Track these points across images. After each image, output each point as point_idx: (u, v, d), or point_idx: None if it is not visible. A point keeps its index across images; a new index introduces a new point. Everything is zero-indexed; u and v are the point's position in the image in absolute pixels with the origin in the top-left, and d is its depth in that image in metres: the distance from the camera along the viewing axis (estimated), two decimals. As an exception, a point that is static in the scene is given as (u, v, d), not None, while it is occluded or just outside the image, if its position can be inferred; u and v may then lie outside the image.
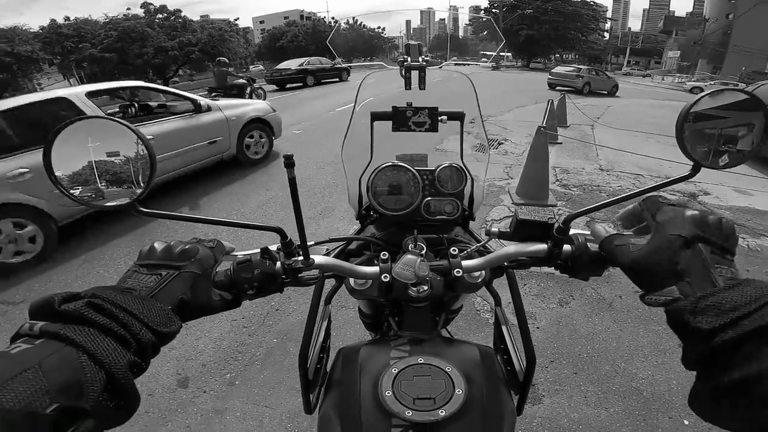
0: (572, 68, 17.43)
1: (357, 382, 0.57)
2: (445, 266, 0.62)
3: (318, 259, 0.59)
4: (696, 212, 0.45)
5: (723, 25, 40.06)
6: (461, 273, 0.61)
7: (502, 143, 6.58)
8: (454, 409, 0.52)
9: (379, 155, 0.89)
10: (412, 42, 0.85)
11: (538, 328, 2.35)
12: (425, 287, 0.65)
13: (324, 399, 0.65)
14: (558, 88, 15.23)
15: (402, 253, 0.68)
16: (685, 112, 0.48)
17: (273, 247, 0.60)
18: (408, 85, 0.84)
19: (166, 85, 26.73)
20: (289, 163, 0.49)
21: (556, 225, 0.58)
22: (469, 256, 0.65)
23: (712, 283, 0.39)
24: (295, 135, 7.58)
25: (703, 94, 0.48)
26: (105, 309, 0.37)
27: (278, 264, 0.57)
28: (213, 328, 2.44)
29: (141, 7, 29.52)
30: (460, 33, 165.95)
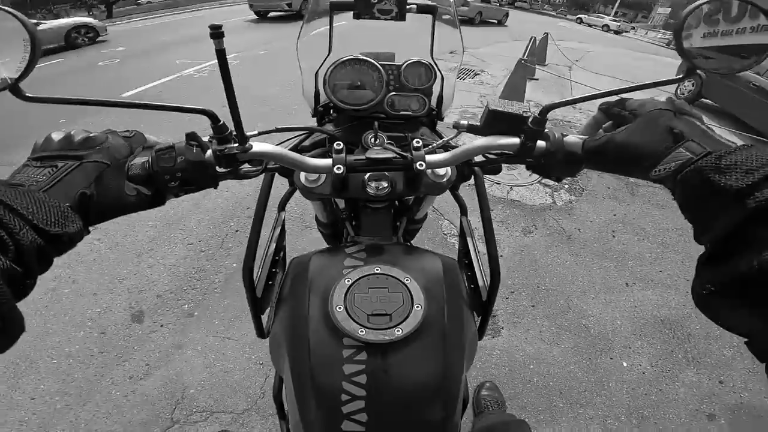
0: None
1: (306, 296, 0.52)
2: (407, 159, 0.53)
3: (259, 146, 0.49)
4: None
5: None
6: (424, 166, 0.52)
7: (479, 74, 6.41)
8: (412, 328, 0.47)
9: (339, 53, 0.79)
10: None
11: (501, 256, 2.34)
12: (384, 184, 0.57)
13: (274, 319, 0.60)
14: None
15: (360, 148, 0.65)
16: (685, 16, 0.43)
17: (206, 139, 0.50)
18: None
19: (110, 9, 23.21)
20: (217, 33, 0.39)
21: (532, 117, 0.51)
22: (434, 152, 0.58)
23: (720, 143, 0.36)
24: (260, 55, 7.16)
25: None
26: None
27: (209, 152, 0.48)
28: (167, 253, 2.28)
29: None
30: None
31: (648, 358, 1.85)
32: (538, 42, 6.41)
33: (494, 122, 0.54)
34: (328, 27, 0.80)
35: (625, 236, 2.65)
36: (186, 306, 1.96)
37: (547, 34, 7.59)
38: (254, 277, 0.66)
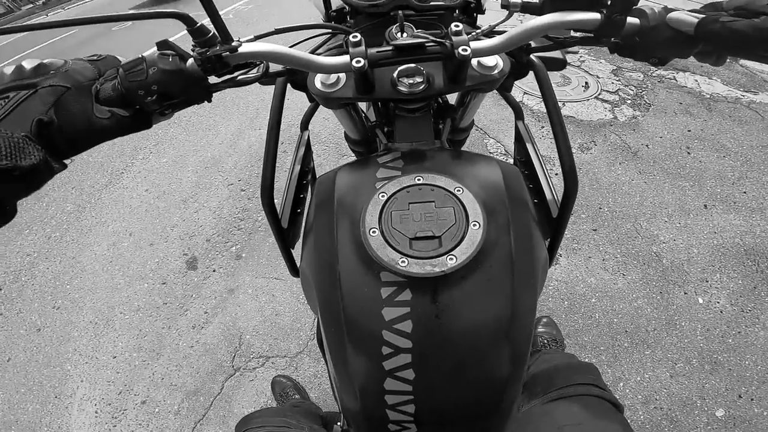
0: None
1: (333, 221, 0.43)
2: (446, 45, 0.41)
3: (249, 46, 0.40)
4: None
5: None
6: (468, 52, 0.39)
7: None
8: (469, 254, 0.37)
9: None
10: None
11: (556, 174, 2.02)
12: (419, 79, 0.45)
13: (303, 251, 0.50)
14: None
15: (384, 44, 0.48)
16: None
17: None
18: None
19: None
20: None
21: None
22: (478, 39, 0.44)
23: None
24: None
25: None
26: None
27: (190, 61, 0.40)
28: (210, 197, 2.33)
29: None
30: None
31: (727, 295, 1.57)
32: None
33: None
34: None
35: (702, 153, 2.25)
36: (234, 248, 1.99)
37: None
38: (277, 207, 0.57)
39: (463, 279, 0.37)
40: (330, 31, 0.65)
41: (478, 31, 0.46)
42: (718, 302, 1.55)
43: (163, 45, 0.39)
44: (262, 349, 1.60)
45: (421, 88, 0.45)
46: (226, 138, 2.85)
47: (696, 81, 3.04)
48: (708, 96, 2.82)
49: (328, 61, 0.43)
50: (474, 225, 0.38)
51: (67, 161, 0.37)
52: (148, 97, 0.38)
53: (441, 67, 0.46)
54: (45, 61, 0.37)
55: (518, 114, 0.71)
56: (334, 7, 0.70)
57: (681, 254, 1.71)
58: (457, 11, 0.66)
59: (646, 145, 2.28)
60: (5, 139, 0.31)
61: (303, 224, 0.59)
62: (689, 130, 2.43)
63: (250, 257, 1.93)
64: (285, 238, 0.58)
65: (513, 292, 0.38)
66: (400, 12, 0.52)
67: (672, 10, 0.41)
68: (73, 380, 1.63)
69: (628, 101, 2.64)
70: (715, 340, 1.45)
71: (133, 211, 2.34)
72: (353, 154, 0.89)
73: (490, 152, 2.19)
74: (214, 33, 0.39)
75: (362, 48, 0.41)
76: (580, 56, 3.16)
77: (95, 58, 0.41)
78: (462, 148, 0.81)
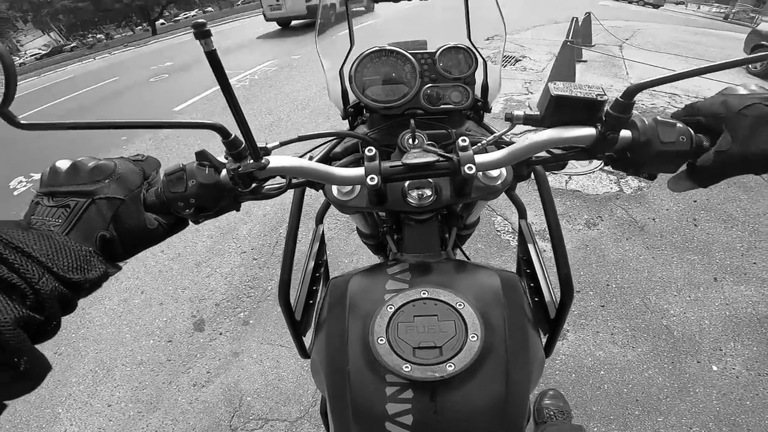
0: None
1: (345, 325, 0.47)
2: (453, 161, 0.45)
3: (276, 160, 0.44)
4: (738, 90, 0.42)
5: None
6: (474, 169, 0.44)
7: (520, 60, 6.05)
8: (466, 363, 0.41)
9: (365, 46, 0.72)
10: None
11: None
12: (428, 192, 0.51)
13: (314, 342, 0.55)
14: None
15: (397, 151, 0.58)
16: None
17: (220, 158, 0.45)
18: None
19: (153, 27, 25.41)
20: (202, 32, 0.31)
21: (612, 101, 0.41)
22: (484, 151, 0.49)
23: None
24: (294, 59, 7.49)
25: None
26: None
27: (223, 172, 0.43)
28: (222, 263, 2.41)
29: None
30: None
31: (742, 361, 1.60)
32: (581, 22, 6.00)
33: (559, 110, 0.43)
34: (346, 16, 0.74)
35: (709, 224, 2.33)
36: (242, 314, 2.04)
37: (590, 13, 7.14)
38: (292, 299, 0.61)
39: (461, 383, 0.42)
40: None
41: (484, 142, 0.50)
42: (733, 368, 1.58)
43: (200, 155, 0.43)
44: (262, 412, 1.59)
45: (429, 200, 0.50)
46: (241, 205, 3.17)
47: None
48: None
49: (345, 174, 0.47)
50: (472, 337, 0.43)
51: (120, 264, 0.39)
52: (187, 209, 0.44)
53: (448, 180, 0.51)
54: (99, 164, 0.39)
55: (522, 213, 0.76)
56: (351, 102, 0.75)
57: (692, 326, 1.76)
58: (465, 112, 0.70)
59: (653, 219, 2.37)
60: (76, 252, 0.33)
61: (315, 315, 0.64)
62: (695, 201, 2.52)
63: (258, 324, 1.97)
64: (297, 329, 0.63)
65: (507, 393, 0.43)
66: (412, 121, 0.57)
67: (663, 121, 0.44)
68: (62, 423, 1.64)
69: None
70: (732, 403, 1.47)
71: (148, 270, 2.43)
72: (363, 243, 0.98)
73: (497, 230, 2.34)
74: (245, 145, 0.42)
75: (376, 163, 0.46)
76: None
77: (139, 158, 0.44)
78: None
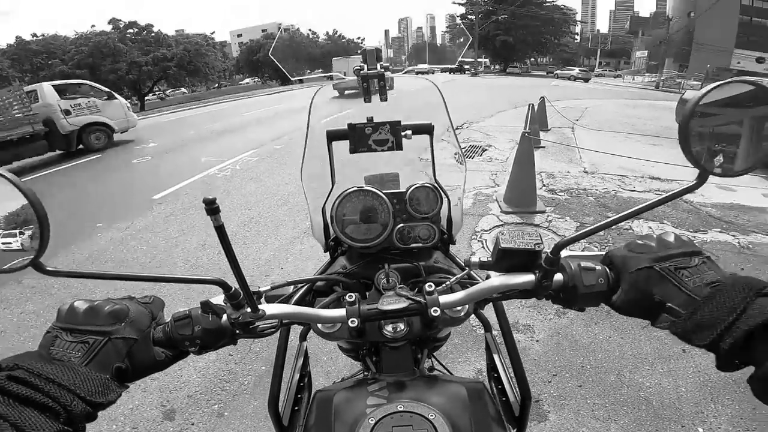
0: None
1: None
2: (421, 304, 0.56)
3: (271, 308, 0.52)
4: (641, 242, 0.49)
5: (686, 24, 41.26)
6: (438, 312, 0.54)
7: (486, 150, 6.54)
8: None
9: (344, 177, 0.81)
10: (368, 47, 0.77)
11: (537, 341, 2.29)
12: (401, 326, 0.59)
13: None
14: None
15: (374, 290, 0.65)
16: (689, 112, 0.41)
17: (218, 299, 0.53)
18: (367, 97, 0.76)
19: (142, 102, 26.34)
20: (212, 208, 0.41)
21: (545, 253, 0.51)
22: (450, 289, 0.60)
23: (691, 297, 0.42)
24: (276, 150, 7.57)
25: (707, 88, 0.42)
26: (28, 381, 0.36)
27: (224, 318, 0.51)
28: (196, 357, 2.31)
29: (109, 23, 29.03)
30: (438, 40, 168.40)
31: (727, 419, 1.71)
32: (536, 108, 6.64)
33: (506, 258, 0.53)
34: (329, 155, 0.80)
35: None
36: (216, 406, 1.99)
37: (543, 98, 7.99)
38: (280, 409, 0.69)
39: None
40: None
41: (447, 283, 0.60)
42: (719, 428, 1.67)
43: (204, 306, 0.51)
44: None
45: (402, 333, 0.59)
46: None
47: (650, 228, 3.50)
48: None
49: (328, 315, 0.57)
50: None
51: (129, 384, 0.46)
52: (192, 347, 0.52)
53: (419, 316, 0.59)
54: (115, 308, 0.46)
55: (486, 327, 0.83)
56: (332, 236, 0.82)
57: (670, 394, 1.86)
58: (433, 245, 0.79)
59: (617, 302, 2.61)
60: (97, 380, 0.40)
61: (302, 423, 0.70)
62: None
63: (233, 416, 1.93)
64: None
65: None
66: (386, 266, 0.68)
67: (585, 267, 0.52)
68: None
69: (596, 249, 3.07)
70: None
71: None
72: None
73: (472, 326, 2.41)
74: (244, 297, 0.49)
75: (356, 308, 0.56)
76: (547, 215, 3.70)
77: (147, 300, 0.52)
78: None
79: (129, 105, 10.65)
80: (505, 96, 15.41)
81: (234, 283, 0.49)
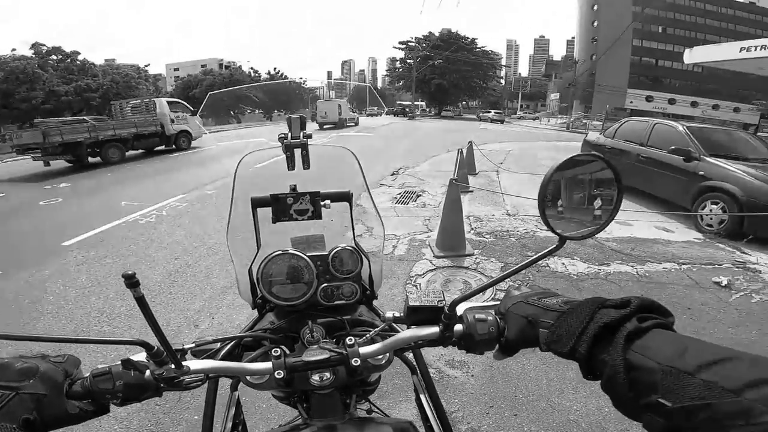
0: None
1: None
2: (343, 355, 0.61)
3: (196, 364, 0.54)
4: (516, 292, 0.59)
5: (589, 67, 45.63)
6: (359, 362, 0.60)
7: (420, 195, 6.75)
8: None
9: (271, 238, 0.84)
10: (293, 115, 0.80)
11: (472, 376, 2.44)
12: (327, 374, 0.62)
13: None
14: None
15: (300, 343, 0.69)
16: (545, 184, 0.49)
17: (140, 356, 0.53)
18: (290, 165, 0.79)
19: None
20: (132, 282, 0.44)
21: (445, 309, 0.59)
22: (372, 340, 0.64)
23: (554, 312, 0.50)
24: (208, 195, 7.10)
25: (560, 161, 0.48)
26: None
27: (147, 373, 0.52)
28: (119, 408, 2.15)
29: (31, 47, 26.86)
30: (379, 83, 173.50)
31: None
32: (465, 153, 7.06)
33: (415, 314, 0.61)
34: (253, 222, 0.82)
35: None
36: None
37: (471, 142, 8.63)
38: None
39: None
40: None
41: (367, 336, 0.64)
42: None
43: (126, 363, 0.51)
44: None
45: (329, 381, 0.62)
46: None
47: (563, 264, 3.89)
48: (575, 276, 3.61)
49: (255, 368, 0.58)
50: None
51: None
52: (114, 400, 0.51)
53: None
54: (25, 366, 0.47)
55: (413, 370, 0.86)
56: (259, 294, 0.82)
57: (596, 415, 2.06)
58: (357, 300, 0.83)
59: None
60: (2, 428, 0.39)
61: None
62: None
63: None
64: None
65: None
66: (309, 323, 0.72)
67: (479, 318, 0.58)
68: None
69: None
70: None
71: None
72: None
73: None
74: (167, 354, 0.50)
75: (281, 360, 0.58)
76: (475, 258, 3.97)
77: (60, 359, 0.51)
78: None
79: (201, 120, 15.25)
80: (438, 140, 16.16)
81: (157, 342, 0.50)
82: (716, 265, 3.99)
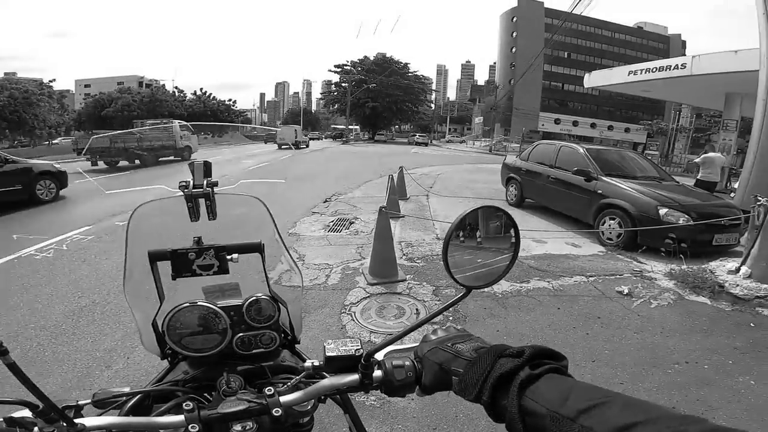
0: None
1: None
2: (263, 405, 0.58)
3: (93, 421, 0.49)
4: (433, 336, 0.61)
5: (508, 91, 49.12)
6: (280, 412, 0.57)
7: (353, 222, 6.68)
8: None
9: (180, 284, 0.75)
10: (196, 161, 0.74)
11: (413, 399, 2.40)
12: (250, 424, 0.58)
13: None
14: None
15: (217, 394, 0.65)
16: (448, 238, 0.52)
17: (26, 413, 0.48)
18: (193, 217, 0.73)
19: None
20: (0, 351, 0.41)
21: (363, 358, 0.60)
22: (295, 387, 0.63)
23: (463, 360, 0.53)
24: (118, 227, 5.97)
25: (463, 213, 0.52)
26: None
27: (36, 430, 0.47)
28: None
29: None
30: (313, 106, 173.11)
31: None
32: (396, 178, 7.24)
33: (333, 363, 0.62)
34: (153, 279, 0.75)
35: (513, 344, 3.00)
36: None
37: (402, 168, 8.93)
38: None
39: None
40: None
41: (288, 384, 0.63)
42: None
43: (9, 421, 0.47)
44: None
45: (252, 431, 0.58)
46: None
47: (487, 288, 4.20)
48: (500, 295, 3.80)
49: (167, 422, 0.54)
50: None
51: None
52: None
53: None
54: None
55: (344, 409, 0.85)
56: (168, 345, 0.76)
57: None
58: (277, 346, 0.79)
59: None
60: None
61: None
62: (498, 330, 3.20)
63: None
64: None
65: None
66: (225, 372, 0.67)
67: (396, 365, 0.59)
68: None
69: (450, 318, 3.31)
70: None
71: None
72: None
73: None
74: (59, 411, 0.45)
75: (195, 414, 0.55)
76: (408, 284, 4.05)
77: None
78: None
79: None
80: (371, 164, 16.50)
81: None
82: (618, 276, 4.47)
